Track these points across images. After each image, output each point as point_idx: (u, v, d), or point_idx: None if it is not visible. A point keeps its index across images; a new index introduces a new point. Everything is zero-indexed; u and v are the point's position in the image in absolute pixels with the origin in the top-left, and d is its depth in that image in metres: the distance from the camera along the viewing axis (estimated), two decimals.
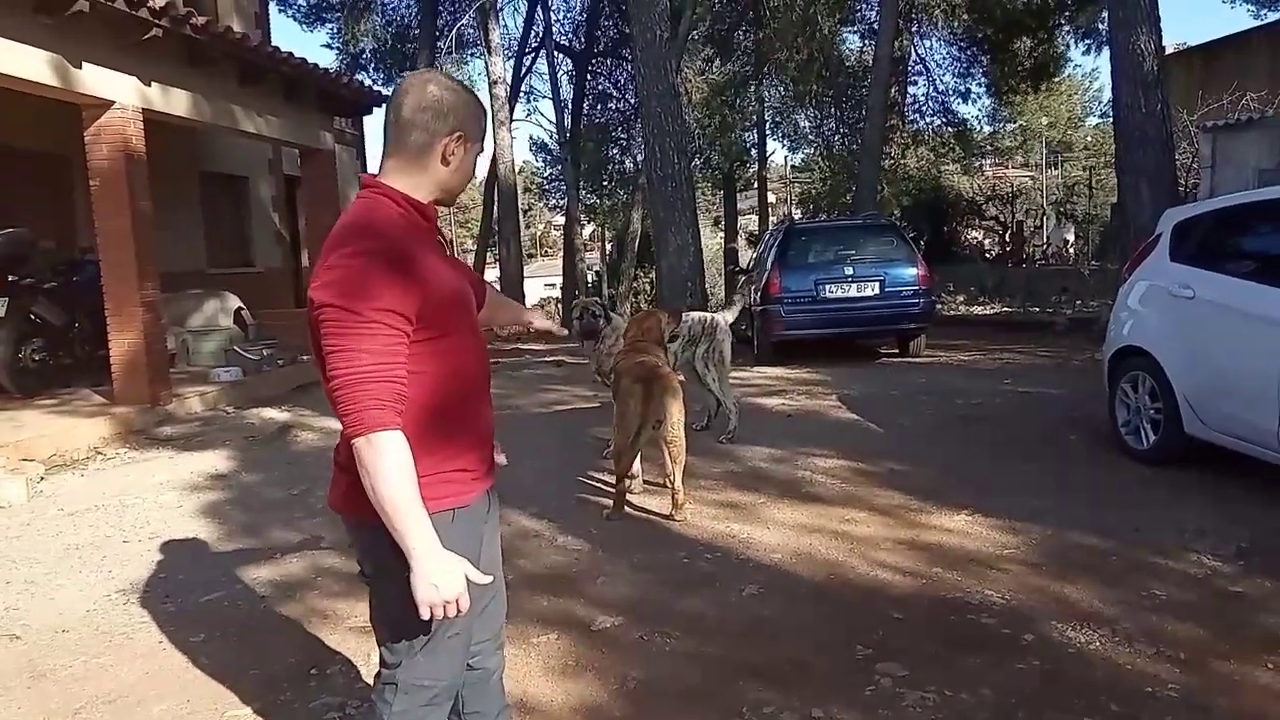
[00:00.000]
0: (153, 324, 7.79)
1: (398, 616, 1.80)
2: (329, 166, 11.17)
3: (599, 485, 5.37)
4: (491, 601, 2.07)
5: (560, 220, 39.87)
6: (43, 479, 5.91)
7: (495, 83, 18.76)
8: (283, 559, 4.30)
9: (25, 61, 6.47)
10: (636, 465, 5.22)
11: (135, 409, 7.55)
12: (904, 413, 7.20)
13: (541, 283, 49.35)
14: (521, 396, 8.73)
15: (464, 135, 1.84)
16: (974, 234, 25.39)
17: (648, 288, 23.30)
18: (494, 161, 19.47)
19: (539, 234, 66.87)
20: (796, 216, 29.56)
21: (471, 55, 23.49)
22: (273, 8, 23.49)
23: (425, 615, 1.69)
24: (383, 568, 1.78)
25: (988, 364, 9.87)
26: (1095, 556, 3.99)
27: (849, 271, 9.91)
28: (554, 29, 23.50)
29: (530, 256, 66.88)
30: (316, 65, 9.84)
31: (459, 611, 1.71)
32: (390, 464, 1.64)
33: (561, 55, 24.26)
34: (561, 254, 27.12)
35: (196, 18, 7.73)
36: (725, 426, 6.45)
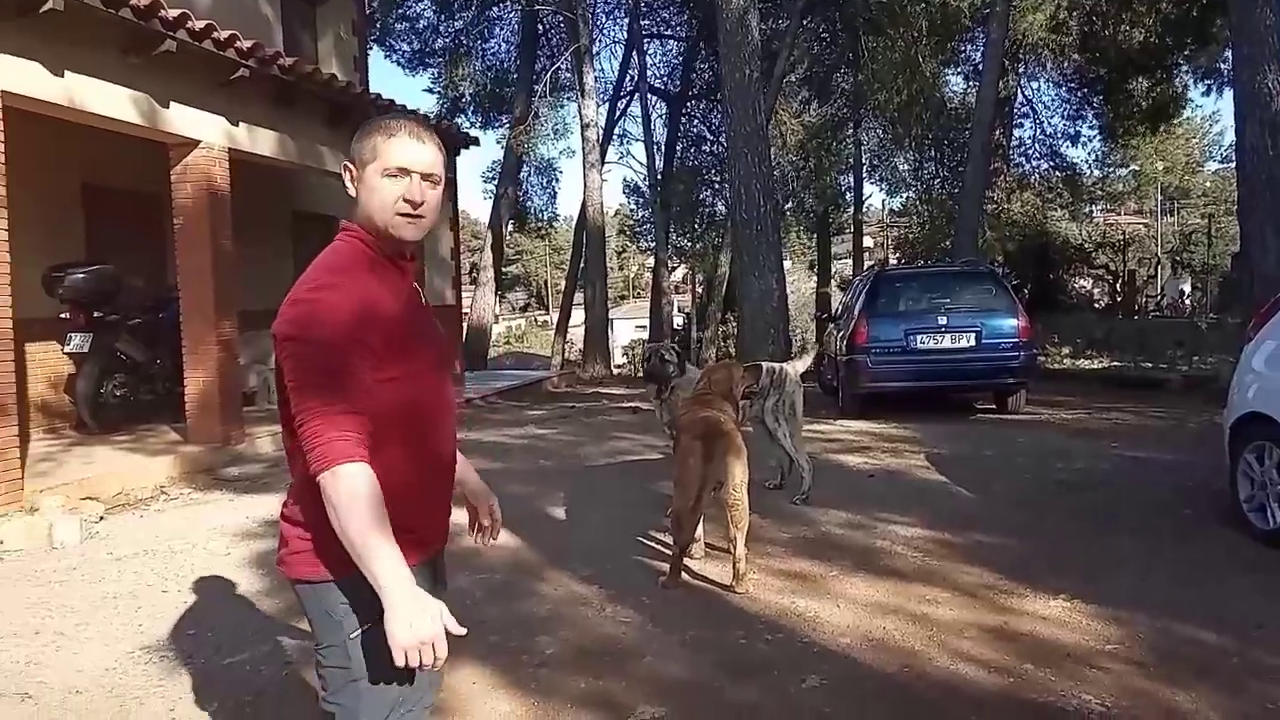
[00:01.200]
0: (227, 362, 7.81)
1: (365, 682, 1.73)
2: None
3: (659, 547, 5.02)
4: (425, 695, 1.91)
5: (652, 262, 40.02)
6: (102, 519, 5.86)
7: (587, 126, 18.80)
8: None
9: (113, 101, 6.58)
10: (699, 528, 4.86)
11: (205, 448, 7.55)
12: (997, 477, 6.65)
13: (633, 324, 49.43)
14: (591, 444, 8.46)
15: (352, 162, 1.81)
16: (1082, 283, 24.31)
17: (734, 332, 22.98)
18: (583, 204, 19.48)
19: (632, 276, 67.23)
20: (892, 261, 28.85)
21: (567, 99, 23.71)
22: (378, 53, 24.28)
23: (400, 661, 1.58)
24: (335, 629, 1.72)
25: (1094, 424, 9.18)
26: (1212, 656, 3.47)
27: (943, 321, 9.38)
28: (649, 72, 23.58)
29: (623, 298, 67.38)
30: (404, 107, 9.89)
31: (434, 659, 1.59)
32: (360, 496, 1.59)
33: (656, 98, 24.30)
34: (650, 298, 26.97)
35: (284, 58, 7.81)
36: (798, 486, 6.03)
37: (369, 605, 1.63)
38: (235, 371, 8.01)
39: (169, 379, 8.64)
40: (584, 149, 18.92)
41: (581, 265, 21.92)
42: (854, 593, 4.29)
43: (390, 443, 1.73)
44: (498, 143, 24.36)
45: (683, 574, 4.45)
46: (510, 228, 27.40)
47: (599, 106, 20.91)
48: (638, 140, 23.67)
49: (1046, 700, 3.14)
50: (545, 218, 27.47)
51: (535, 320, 61.23)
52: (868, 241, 45.94)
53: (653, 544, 5.12)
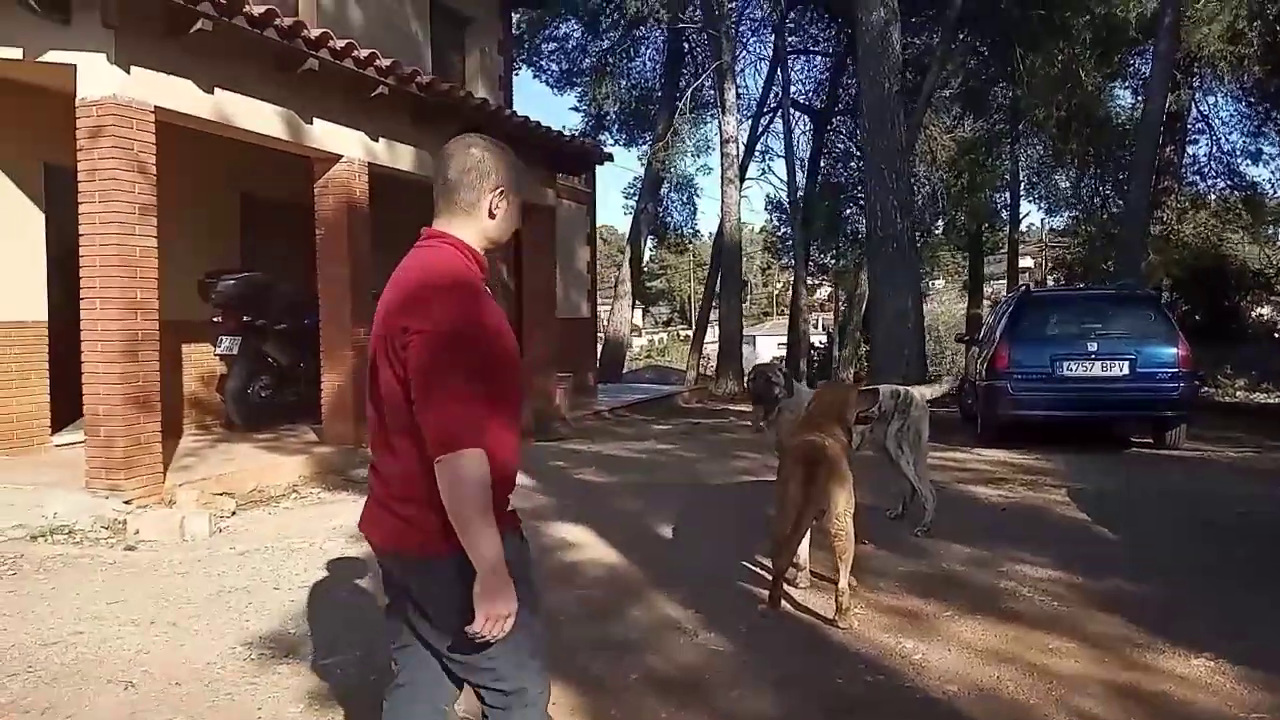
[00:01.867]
0: (360, 368, 8.06)
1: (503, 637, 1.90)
2: (548, 222, 11.37)
3: (764, 573, 4.80)
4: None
5: (812, 281, 39.44)
6: (234, 513, 6.12)
7: (727, 141, 18.71)
8: None
9: (260, 117, 6.92)
10: (804, 555, 4.65)
11: (337, 449, 7.81)
12: (1146, 517, 6.13)
13: (775, 341, 48.95)
14: (710, 462, 8.31)
15: (504, 190, 2.04)
16: (1261, 311, 22.43)
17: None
18: (721, 219, 19.39)
19: (776, 293, 66.58)
20: (1050, 282, 27.44)
21: (710, 116, 23.69)
22: (527, 73, 24.92)
23: (480, 626, 1.82)
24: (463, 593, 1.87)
25: (1262, 464, 8.38)
26: None
27: (1093, 348, 8.76)
28: (794, 88, 23.30)
29: (766, 315, 66.79)
30: (539, 123, 10.05)
31: (503, 631, 1.85)
32: (482, 478, 1.81)
33: (800, 114, 23.98)
34: (789, 315, 26.56)
35: (422, 76, 8.05)
36: (920, 517, 5.71)
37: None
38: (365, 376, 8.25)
39: (311, 382, 9.02)
40: (723, 165, 18.84)
41: (718, 281, 21.79)
42: (968, 636, 3.99)
43: (505, 431, 1.94)
44: (639, 160, 24.65)
45: (782, 603, 4.26)
46: (650, 243, 27.56)
47: (740, 123, 20.83)
48: (780, 156, 23.37)
49: None
50: (685, 233, 27.49)
51: (677, 334, 61.45)
52: (1026, 262, 43.96)
53: (759, 569, 4.92)
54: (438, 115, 8.62)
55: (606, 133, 25.10)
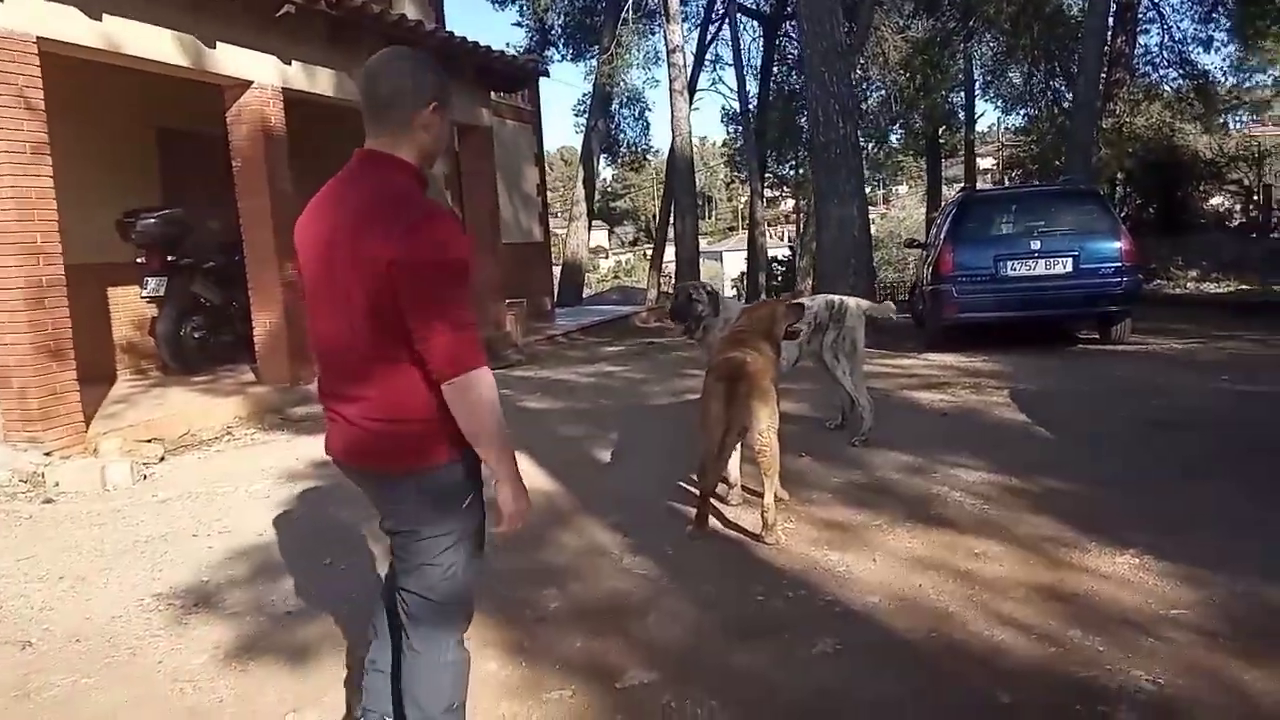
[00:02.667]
0: (294, 303, 7.83)
1: (466, 542, 2.10)
2: (485, 143, 11.03)
3: (697, 493, 4.74)
4: None
5: (772, 194, 39.05)
6: (162, 459, 5.97)
7: (673, 50, 18.18)
8: (330, 569, 3.98)
9: (155, 43, 6.53)
10: (734, 472, 4.60)
11: (274, 388, 7.63)
12: (1085, 415, 6.12)
13: (741, 256, 48.72)
14: (657, 382, 8.22)
15: (438, 105, 2.02)
16: (1215, 201, 22.46)
17: None
18: (673, 134, 18.97)
19: (741, 207, 66.06)
20: (1005, 183, 27.30)
21: (658, 26, 22.97)
22: None
23: (505, 527, 2.05)
24: (454, 498, 2.07)
25: (1207, 355, 8.41)
26: None
27: (1036, 246, 8.67)
28: None
29: (732, 229, 66.27)
30: (465, 39, 9.65)
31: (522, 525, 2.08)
32: (494, 394, 1.94)
33: (749, 20, 23.38)
34: (747, 230, 26.30)
35: None
36: (858, 427, 5.66)
37: (470, 478, 2.07)
38: (302, 311, 8.01)
39: (247, 320, 8.76)
40: (670, 76, 18.34)
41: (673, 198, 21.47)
42: (894, 545, 3.95)
43: None
44: (587, 75, 23.97)
45: (710, 522, 4.19)
46: (605, 162, 27.06)
47: (689, 32, 20.24)
48: (731, 66, 22.80)
49: (1088, 675, 2.78)
50: (639, 149, 26.98)
51: (644, 254, 61.00)
52: (986, 163, 43.74)
53: (692, 489, 4.84)
54: (355, 34, 8.23)
55: (552, 48, 24.46)
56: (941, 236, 9.24)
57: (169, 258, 8.21)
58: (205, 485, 5.35)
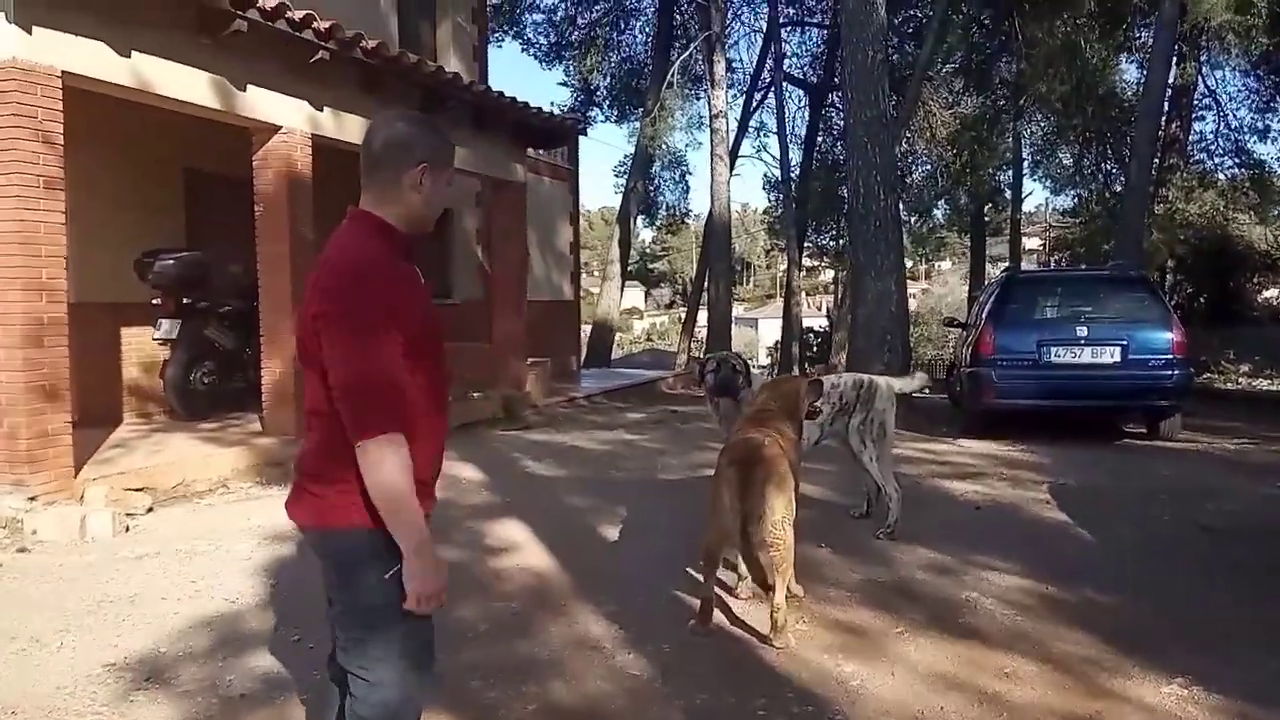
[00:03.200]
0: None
1: (376, 620, 1.95)
2: (518, 199, 10.90)
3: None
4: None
5: (811, 264, 38.81)
6: (150, 510, 5.71)
7: (716, 116, 18.14)
8: (297, 646, 3.66)
9: (185, 84, 6.44)
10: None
11: (279, 440, 7.38)
12: (1129, 517, 5.68)
13: (778, 325, 48.45)
14: (675, 454, 7.87)
15: (429, 165, 1.97)
16: (1268, 294, 21.83)
17: None
18: (711, 198, 18.85)
19: (780, 275, 65.94)
20: (1052, 265, 26.84)
21: (703, 91, 23.05)
22: (514, 46, 24.36)
23: (412, 605, 1.86)
24: (361, 570, 1.93)
25: (1260, 457, 7.92)
26: None
27: (1082, 332, 8.27)
28: (789, 62, 22.68)
29: (769, 298, 66.11)
30: (503, 94, 9.56)
31: (438, 605, 1.91)
32: (402, 462, 1.82)
33: (795, 89, 23.37)
34: (783, 298, 26.01)
35: (367, 41, 7.56)
36: (885, 518, 5.27)
37: (394, 550, 1.86)
38: None
39: (259, 367, 8.58)
40: (713, 141, 18.27)
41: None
42: (916, 657, 3.55)
43: (420, 414, 1.92)
44: (630, 136, 24.01)
45: (713, 620, 3.82)
46: (643, 223, 27.03)
47: (735, 98, 20.24)
48: (775, 133, 22.72)
49: None
50: (677, 212, 26.92)
51: (678, 318, 60.94)
52: (1032, 243, 43.26)
53: (700, 578, 4.49)
54: (390, 84, 8.14)
55: (596, 108, 24.58)
56: (983, 317, 8.88)
57: (184, 300, 8.08)
58: (187, 542, 5.08)
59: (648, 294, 73.01)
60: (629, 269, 23.09)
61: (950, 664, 3.49)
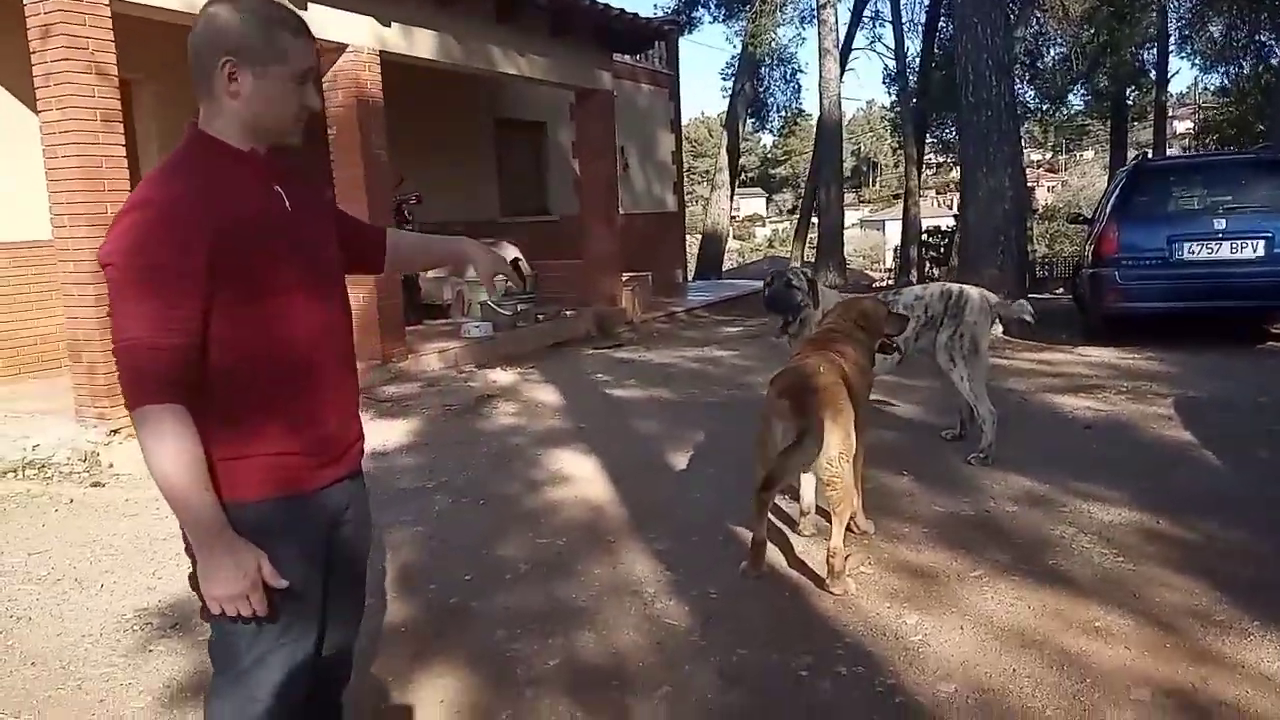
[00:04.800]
0: (386, 277, 7.54)
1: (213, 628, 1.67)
2: (604, 108, 10.46)
3: (771, 517, 4.05)
4: (338, 617, 1.82)
5: (939, 160, 36.85)
6: None
7: (823, 6, 17.06)
8: None
9: None
10: (809, 495, 3.89)
11: (365, 365, 7.36)
12: (1266, 437, 5.03)
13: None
14: (762, 371, 7.45)
15: (236, 61, 1.57)
16: None
17: None
18: (820, 96, 17.86)
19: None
20: (1194, 151, 24.61)
21: None
22: None
23: (215, 610, 1.57)
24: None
25: None
26: None
27: (1220, 225, 7.37)
28: None
29: (896, 198, 63.39)
30: None
31: (253, 613, 1.56)
32: (165, 443, 1.49)
33: None
34: (903, 199, 24.74)
35: None
36: (980, 440, 4.81)
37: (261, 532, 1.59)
38: (395, 286, 7.74)
39: None
40: (820, 34, 17.25)
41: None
42: (991, 607, 3.17)
43: (263, 363, 1.60)
44: (736, 35, 22.92)
45: (765, 562, 3.51)
46: (751, 126, 26.00)
47: None
48: (889, 22, 21.31)
49: None
50: (789, 114, 25.79)
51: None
52: (1182, 126, 39.80)
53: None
54: None
55: (703, 8, 23.50)
56: (1107, 211, 8.04)
57: None
58: None
59: (769, 200, 71.25)
60: (749, 175, 22.29)
61: (1030, 616, 3.09)
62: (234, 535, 1.54)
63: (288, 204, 1.67)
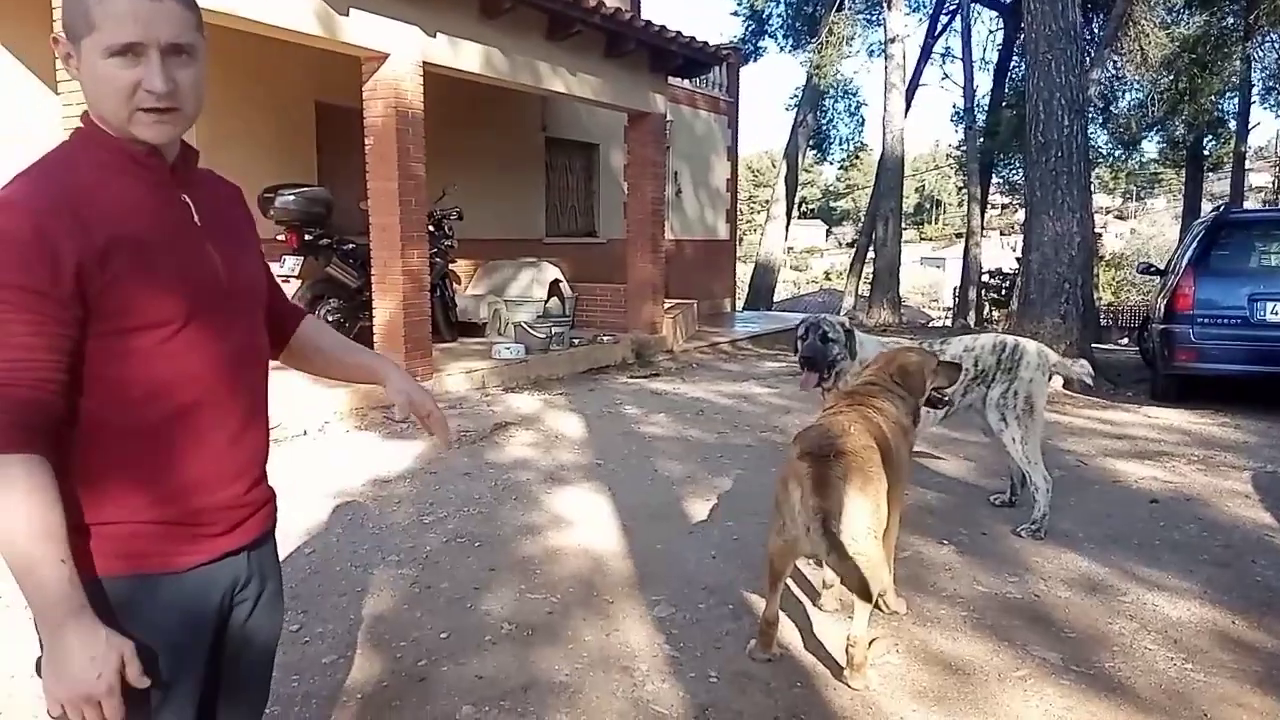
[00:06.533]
0: (414, 293, 7.30)
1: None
2: (657, 132, 10.17)
3: (790, 582, 3.64)
4: (232, 712, 1.52)
5: (1004, 201, 36.06)
6: None
7: (891, 40, 16.66)
8: (295, 637, 3.22)
9: (284, 7, 6.06)
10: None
11: None
12: None
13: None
14: (799, 413, 7.04)
15: (66, 36, 1.30)
16: None
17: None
18: (884, 130, 17.40)
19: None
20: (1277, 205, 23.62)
21: (880, 14, 21.32)
22: None
23: (54, 713, 1.25)
24: None
25: None
26: None
27: None
28: None
29: (959, 236, 62.38)
30: (635, 16, 8.79)
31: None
32: (12, 498, 1.18)
33: (986, 9, 21.26)
34: (964, 239, 24.06)
35: None
36: (1030, 510, 4.33)
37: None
38: (423, 303, 7.47)
39: None
40: (886, 68, 16.82)
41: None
42: (1034, 718, 2.72)
43: (143, 411, 1.32)
44: (801, 65, 22.58)
45: (776, 643, 3.09)
46: (812, 158, 25.56)
47: (916, 23, 18.55)
48: (957, 58, 20.79)
49: None
50: (850, 146, 25.33)
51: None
52: (1261, 179, 38.40)
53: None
54: (509, 6, 7.53)
55: (770, 38, 23.24)
56: (1183, 264, 7.48)
57: (306, 236, 7.89)
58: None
59: (829, 232, 70.65)
60: (810, 207, 21.88)
61: None
62: (94, 619, 1.25)
63: (196, 217, 1.40)
